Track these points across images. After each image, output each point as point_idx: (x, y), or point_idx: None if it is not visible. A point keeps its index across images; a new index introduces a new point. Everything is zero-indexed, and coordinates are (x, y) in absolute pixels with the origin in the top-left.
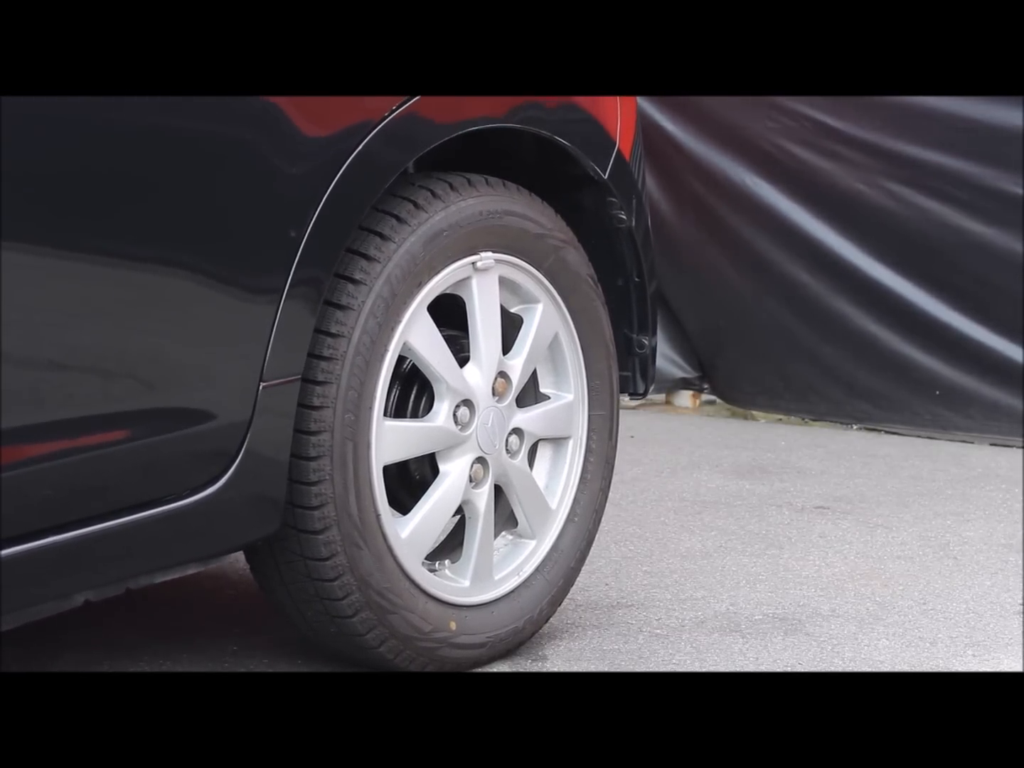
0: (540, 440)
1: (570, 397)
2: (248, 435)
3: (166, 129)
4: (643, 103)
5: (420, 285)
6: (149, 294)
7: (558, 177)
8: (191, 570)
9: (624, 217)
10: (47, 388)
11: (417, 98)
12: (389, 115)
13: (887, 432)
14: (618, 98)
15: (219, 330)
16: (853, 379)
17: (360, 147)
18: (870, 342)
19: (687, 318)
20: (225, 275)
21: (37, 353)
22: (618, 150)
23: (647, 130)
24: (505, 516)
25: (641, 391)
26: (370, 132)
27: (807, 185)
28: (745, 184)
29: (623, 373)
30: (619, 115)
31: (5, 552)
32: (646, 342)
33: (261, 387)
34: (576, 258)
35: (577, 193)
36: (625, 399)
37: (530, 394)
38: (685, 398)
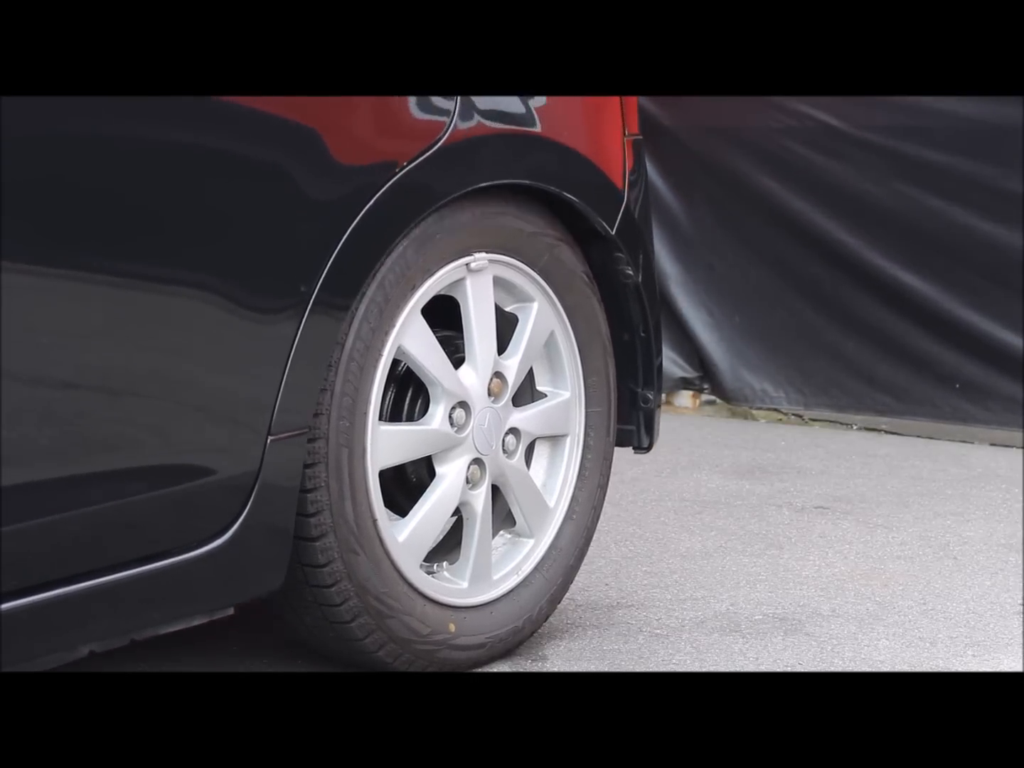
0: (537, 438)
1: (567, 395)
2: (255, 489)
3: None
4: (651, 104)
5: (414, 288)
6: (163, 353)
7: (568, 232)
8: (196, 622)
9: (631, 273)
10: (57, 443)
11: (431, 152)
12: (400, 171)
13: (888, 432)
14: (623, 147)
15: (228, 389)
16: (874, 373)
17: (370, 204)
18: (889, 337)
19: (695, 315)
20: (236, 334)
21: (46, 407)
22: (626, 206)
23: (655, 131)
24: (503, 515)
25: (646, 445)
26: (387, 183)
27: (815, 184)
28: (755, 183)
29: (627, 427)
30: (625, 167)
31: (9, 605)
32: (651, 397)
33: (269, 441)
34: (571, 256)
35: (585, 247)
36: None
37: (527, 392)
38: (685, 398)
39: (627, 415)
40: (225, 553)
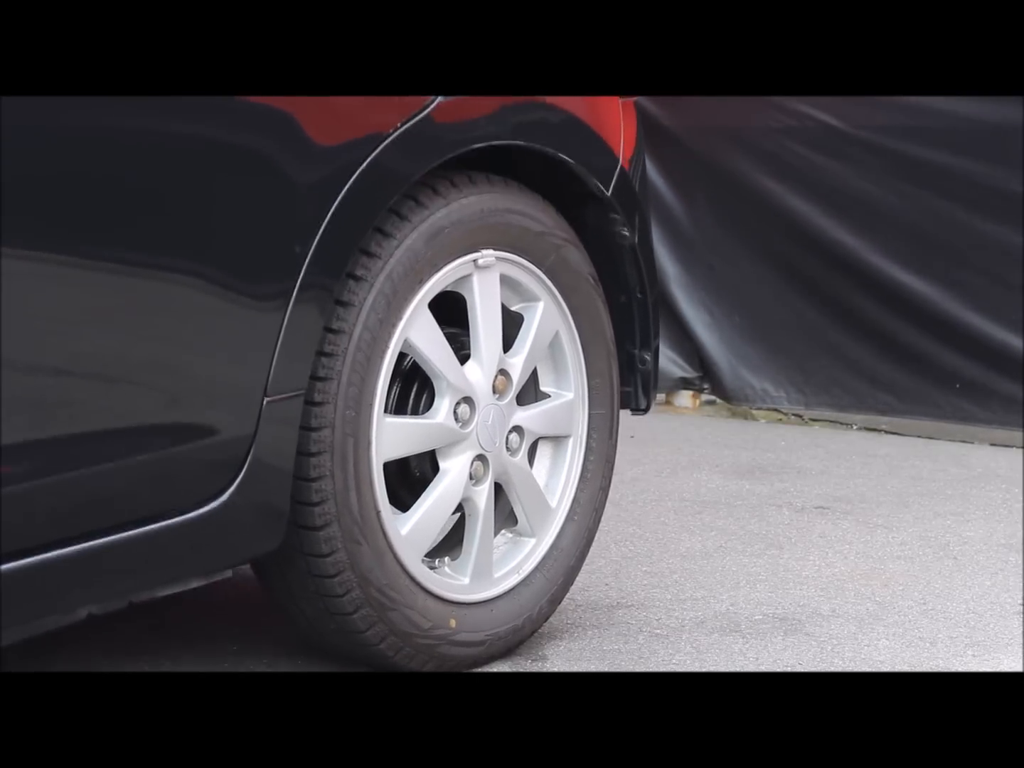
0: (540, 438)
1: (570, 395)
2: (252, 451)
3: (180, 137)
4: (651, 104)
5: (421, 282)
6: (158, 309)
7: (562, 193)
8: (193, 584)
9: (627, 234)
10: (53, 402)
11: (423, 114)
12: (393, 132)
13: (888, 432)
14: (620, 113)
15: (225, 347)
16: (876, 373)
17: (368, 161)
18: (890, 336)
19: (695, 315)
20: (233, 292)
21: (42, 367)
22: (621, 167)
23: (655, 131)
24: (505, 514)
25: (643, 407)
26: (378, 146)
27: (816, 184)
28: (755, 183)
29: (625, 389)
30: (622, 130)
31: (7, 567)
32: (648, 358)
33: (265, 402)
34: (577, 257)
35: (580, 209)
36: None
37: (530, 392)
38: (685, 398)
39: (625, 377)
40: (222, 515)
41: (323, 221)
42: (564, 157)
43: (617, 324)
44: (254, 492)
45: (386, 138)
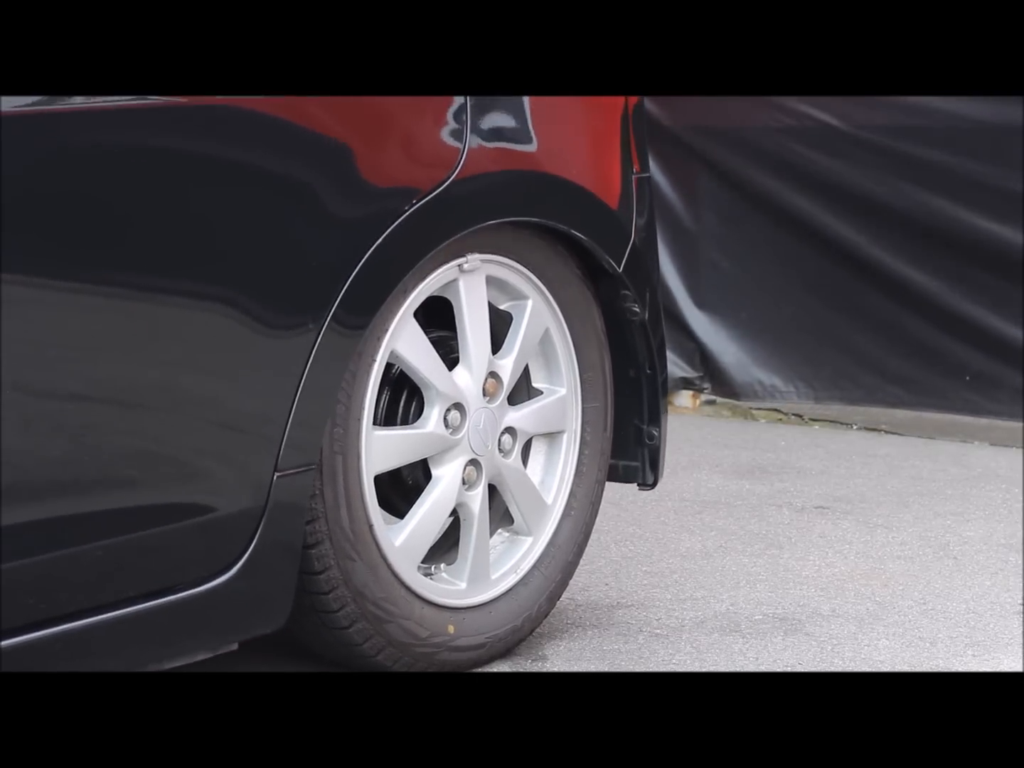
0: (534, 435)
1: (563, 391)
2: (260, 527)
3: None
4: (651, 104)
5: (406, 292)
6: (172, 383)
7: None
8: (200, 657)
9: (638, 310)
10: (63, 479)
11: (439, 191)
12: (409, 208)
13: (888, 432)
14: (630, 186)
15: (233, 424)
16: (884, 366)
17: (375, 245)
18: (898, 330)
19: (700, 314)
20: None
21: (53, 444)
22: (633, 244)
23: (655, 131)
24: (500, 513)
25: (651, 482)
26: (391, 225)
27: (816, 184)
28: (756, 183)
29: (631, 463)
30: (634, 204)
31: (10, 642)
32: (656, 433)
33: (275, 477)
34: (564, 252)
35: (593, 284)
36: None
37: (522, 389)
38: (685, 398)
39: (632, 452)
40: (230, 589)
41: (338, 295)
42: (577, 234)
43: (625, 399)
44: (261, 569)
45: (400, 215)
